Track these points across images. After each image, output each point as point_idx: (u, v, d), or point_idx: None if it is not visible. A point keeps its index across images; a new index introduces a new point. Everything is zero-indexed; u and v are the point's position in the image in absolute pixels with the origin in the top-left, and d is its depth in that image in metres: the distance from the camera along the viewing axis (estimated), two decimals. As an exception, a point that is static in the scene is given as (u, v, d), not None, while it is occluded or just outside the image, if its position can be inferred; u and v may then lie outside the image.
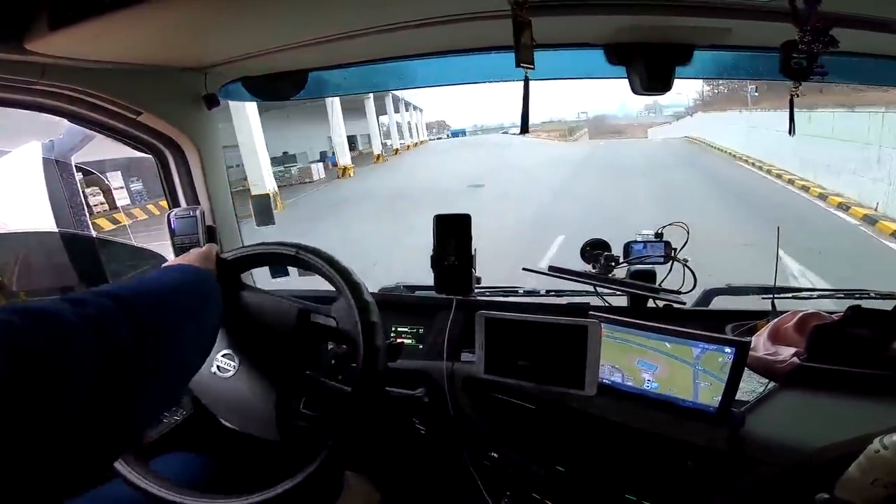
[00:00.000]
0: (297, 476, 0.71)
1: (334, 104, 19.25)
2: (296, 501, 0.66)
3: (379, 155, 25.37)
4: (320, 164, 22.43)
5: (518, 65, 0.72)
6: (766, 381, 0.98)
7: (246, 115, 11.70)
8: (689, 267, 1.30)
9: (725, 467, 0.87)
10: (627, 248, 1.39)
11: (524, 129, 0.84)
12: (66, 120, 1.19)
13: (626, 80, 0.98)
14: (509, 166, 18.18)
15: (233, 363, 0.87)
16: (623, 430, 0.98)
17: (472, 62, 1.12)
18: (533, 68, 0.73)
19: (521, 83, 0.77)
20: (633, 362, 0.96)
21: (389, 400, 1.21)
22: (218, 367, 0.88)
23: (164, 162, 1.38)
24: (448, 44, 1.05)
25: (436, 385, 1.19)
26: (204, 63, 1.15)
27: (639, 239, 1.39)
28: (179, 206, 1.41)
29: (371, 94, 22.99)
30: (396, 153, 29.79)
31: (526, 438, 1.09)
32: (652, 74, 0.91)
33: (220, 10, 0.81)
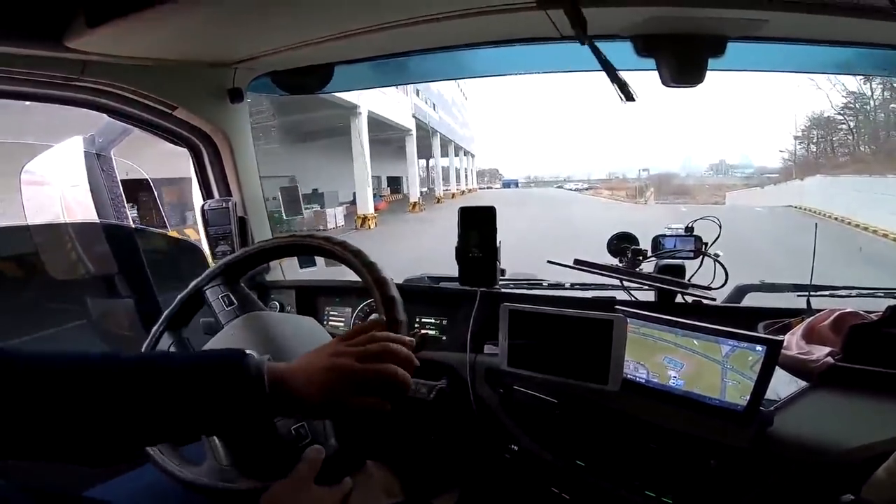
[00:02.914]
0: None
1: (361, 135, 15.18)
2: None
3: (416, 203, 21.48)
4: (339, 209, 18.83)
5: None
6: (798, 380, 0.96)
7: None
8: (720, 262, 1.26)
9: (749, 465, 0.85)
10: (656, 242, 1.36)
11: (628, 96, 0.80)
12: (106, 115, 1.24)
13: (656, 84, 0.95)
14: (578, 237, 12.45)
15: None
16: (645, 427, 0.97)
17: (496, 55, 1.11)
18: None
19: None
20: (659, 359, 0.95)
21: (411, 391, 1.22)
22: None
23: (198, 155, 1.44)
24: (473, 37, 1.04)
25: (458, 376, 1.20)
26: (234, 59, 1.18)
27: (668, 233, 1.36)
28: (213, 197, 1.46)
29: (413, 132, 20.20)
30: (439, 202, 25.98)
31: (547, 432, 1.09)
32: (682, 66, 0.89)
33: (249, 7, 0.83)
